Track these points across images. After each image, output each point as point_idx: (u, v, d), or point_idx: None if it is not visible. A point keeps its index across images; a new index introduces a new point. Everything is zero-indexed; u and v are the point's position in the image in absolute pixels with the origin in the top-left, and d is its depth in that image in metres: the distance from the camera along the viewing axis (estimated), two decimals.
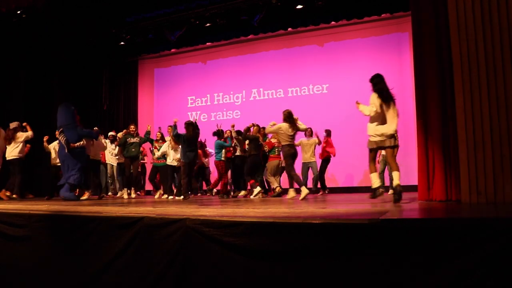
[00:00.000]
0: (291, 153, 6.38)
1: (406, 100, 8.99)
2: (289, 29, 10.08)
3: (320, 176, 8.19)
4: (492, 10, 3.94)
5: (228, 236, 2.86)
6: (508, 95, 3.80)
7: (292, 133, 6.36)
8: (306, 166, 8.03)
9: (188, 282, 2.98)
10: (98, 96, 12.12)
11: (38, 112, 9.84)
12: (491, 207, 3.38)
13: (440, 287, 2.27)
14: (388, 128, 4.49)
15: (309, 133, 7.92)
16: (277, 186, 7.43)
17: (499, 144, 3.79)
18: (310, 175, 8.19)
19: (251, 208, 4.10)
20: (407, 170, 8.89)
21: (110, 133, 9.00)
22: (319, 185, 8.17)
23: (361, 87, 9.73)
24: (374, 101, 4.52)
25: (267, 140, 7.80)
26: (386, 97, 4.50)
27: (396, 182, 4.45)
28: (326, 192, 8.25)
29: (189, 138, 6.99)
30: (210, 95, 11.38)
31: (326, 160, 8.24)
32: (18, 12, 8.86)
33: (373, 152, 4.73)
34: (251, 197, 7.17)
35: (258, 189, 7.23)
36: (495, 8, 3.93)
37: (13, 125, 7.73)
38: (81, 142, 6.90)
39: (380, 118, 4.52)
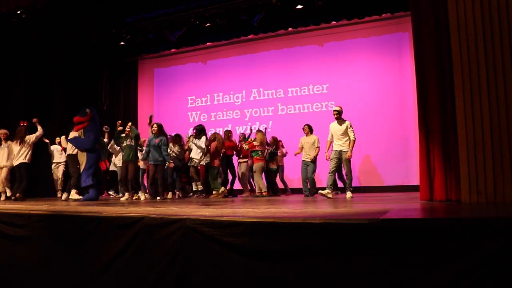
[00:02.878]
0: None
1: (406, 100, 8.98)
2: (290, 29, 10.07)
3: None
4: (492, 10, 3.93)
5: (228, 236, 2.86)
6: (508, 95, 3.79)
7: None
8: (304, 164, 7.94)
9: (188, 282, 2.98)
10: (98, 96, 12.11)
11: (38, 112, 9.81)
12: (491, 207, 3.38)
13: (440, 287, 2.26)
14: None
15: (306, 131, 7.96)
16: (264, 191, 7.70)
17: (499, 144, 3.79)
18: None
19: (251, 208, 4.11)
20: (407, 171, 8.90)
21: None
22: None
23: (361, 87, 9.84)
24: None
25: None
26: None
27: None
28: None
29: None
30: (210, 95, 11.37)
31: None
32: (18, 12, 8.86)
33: None
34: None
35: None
36: (495, 8, 3.92)
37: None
38: None
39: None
